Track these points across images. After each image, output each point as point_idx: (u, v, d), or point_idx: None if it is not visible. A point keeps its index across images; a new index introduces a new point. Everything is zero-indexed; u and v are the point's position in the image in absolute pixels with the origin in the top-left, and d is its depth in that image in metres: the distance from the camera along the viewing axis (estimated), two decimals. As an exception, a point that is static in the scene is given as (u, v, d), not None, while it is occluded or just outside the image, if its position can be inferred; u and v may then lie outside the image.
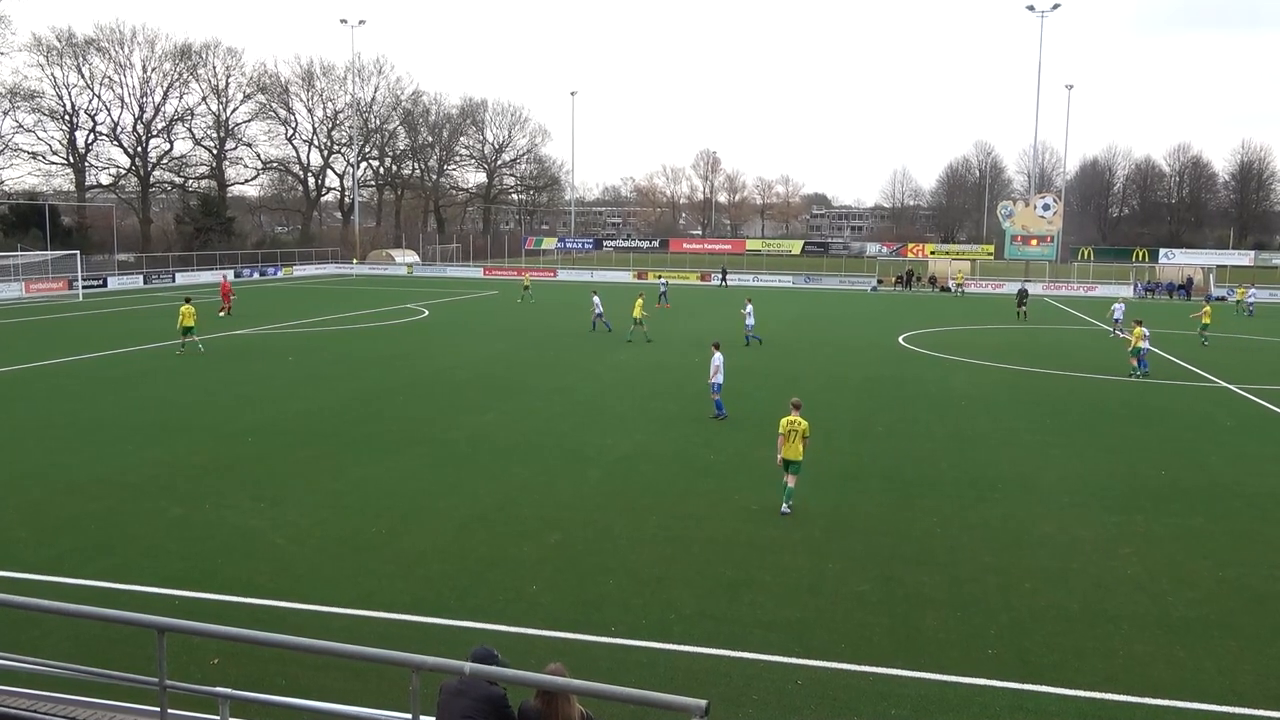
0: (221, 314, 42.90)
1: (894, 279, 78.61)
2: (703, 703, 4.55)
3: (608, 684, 5.15)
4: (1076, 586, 12.33)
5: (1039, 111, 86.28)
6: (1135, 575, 12.74)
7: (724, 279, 77.67)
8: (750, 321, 37.29)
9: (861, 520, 14.88)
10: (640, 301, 38.79)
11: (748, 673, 9.80)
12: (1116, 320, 42.57)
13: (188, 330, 31.61)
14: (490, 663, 5.79)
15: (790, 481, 15.00)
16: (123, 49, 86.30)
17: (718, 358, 22.41)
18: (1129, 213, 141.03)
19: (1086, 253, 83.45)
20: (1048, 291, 73.35)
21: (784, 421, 15.08)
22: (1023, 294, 53.55)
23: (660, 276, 66.46)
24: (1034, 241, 78.83)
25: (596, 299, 41.24)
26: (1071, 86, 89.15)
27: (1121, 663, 10.17)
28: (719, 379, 22.31)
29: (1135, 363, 30.24)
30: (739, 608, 11.50)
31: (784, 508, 14.91)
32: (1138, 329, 30.42)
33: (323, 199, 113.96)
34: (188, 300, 32.94)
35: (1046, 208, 79.60)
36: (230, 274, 60.34)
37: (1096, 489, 16.99)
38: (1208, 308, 42.35)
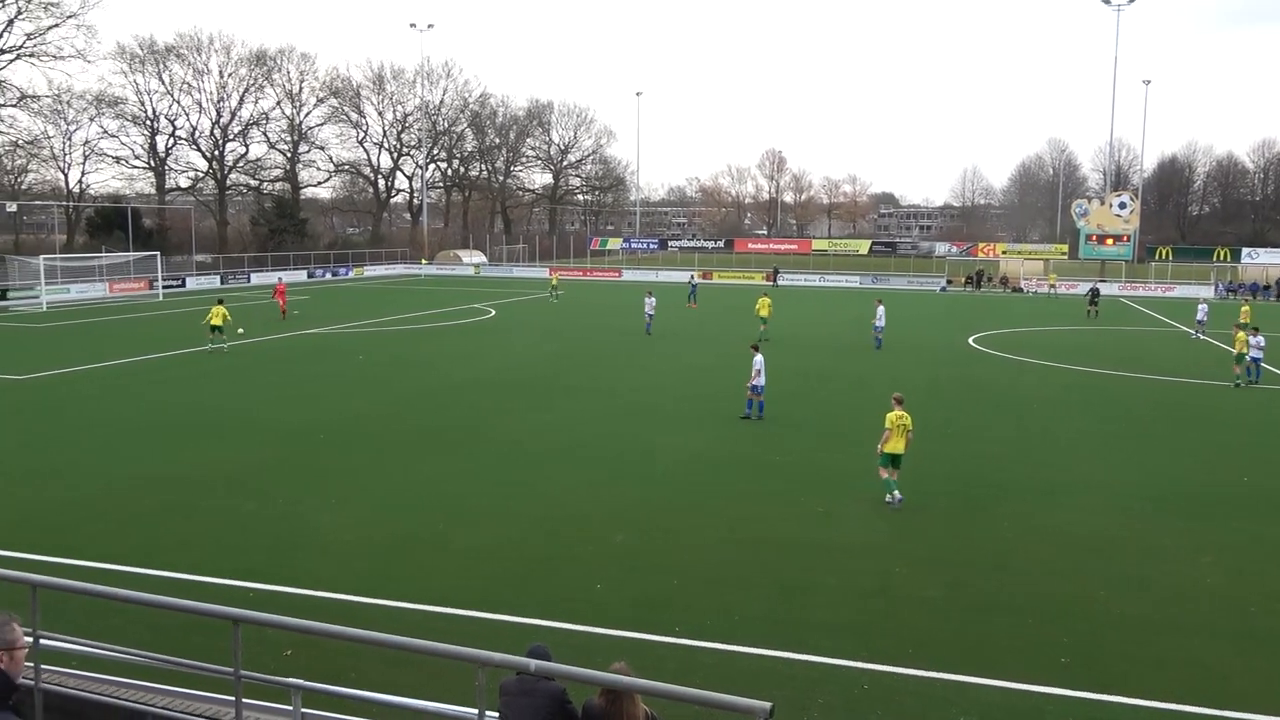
0: (283, 317, 43.24)
1: (963, 279, 77.28)
2: (767, 705, 4.52)
3: (671, 684, 5.14)
4: (1154, 595, 12.00)
5: (1115, 108, 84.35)
6: (1216, 584, 12.35)
7: (775, 279, 77.08)
8: (880, 324, 36.05)
9: (929, 524, 14.65)
10: (766, 301, 38.72)
11: (812, 676, 9.71)
12: (1200, 322, 41.20)
13: (215, 329, 32.46)
14: (545, 660, 5.82)
15: (890, 474, 15.40)
16: (200, 55, 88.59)
17: (758, 360, 22.19)
18: (1210, 211, 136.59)
19: (1165, 252, 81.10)
20: (1124, 292, 71.48)
21: (891, 416, 15.43)
22: (1094, 293, 52.44)
23: (693, 277, 63.12)
24: (1109, 241, 76.84)
25: (651, 300, 40.41)
26: (1149, 81, 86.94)
27: (1201, 674, 9.86)
28: (760, 381, 22.11)
29: (1242, 370, 28.36)
30: (804, 610, 11.41)
31: (890, 497, 15.29)
32: (1240, 334, 29.05)
33: (392, 200, 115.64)
34: (220, 302, 33.84)
35: (1123, 206, 77.57)
36: (284, 275, 61.47)
37: (1176, 495, 16.52)
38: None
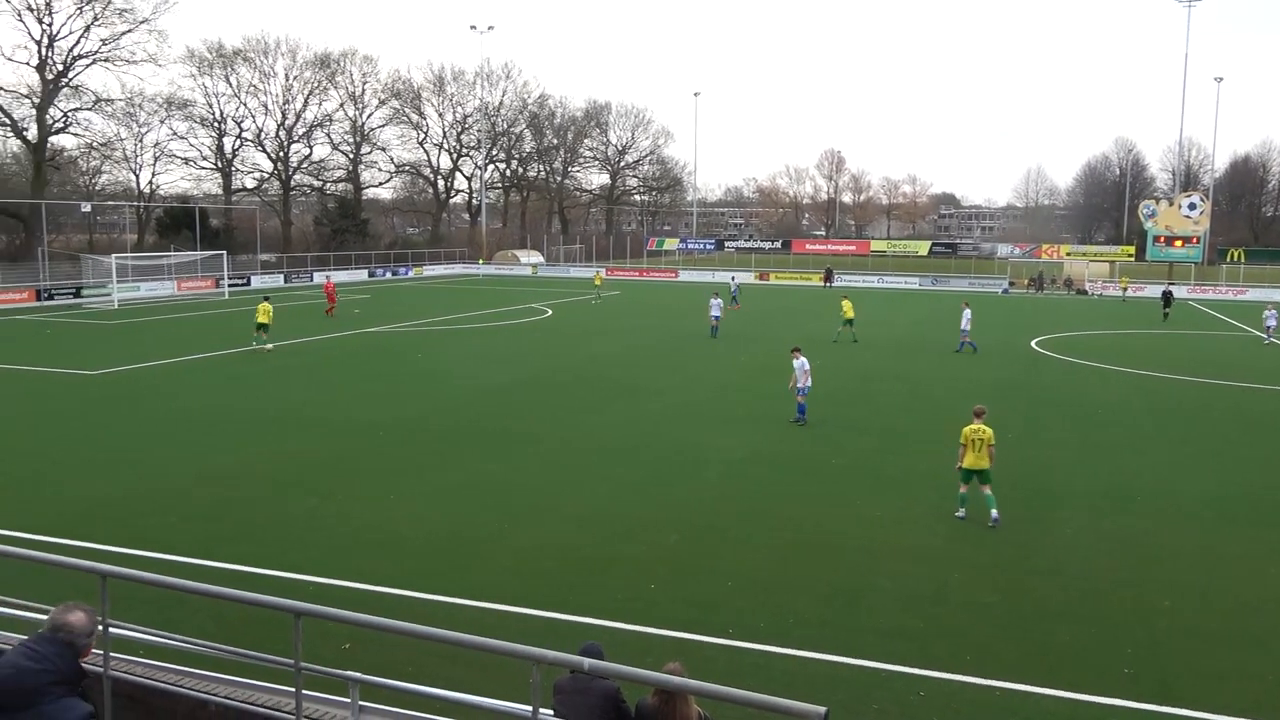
0: (329, 314, 44.30)
1: (1026, 281, 75.91)
2: (822, 709, 4.48)
3: (725, 685, 5.12)
4: (1220, 605, 11.69)
5: (1185, 106, 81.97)
6: (1287, 596, 11.98)
7: (829, 280, 76.38)
8: (966, 327, 35.17)
9: (986, 529, 14.42)
10: (848, 304, 38.61)
11: (868, 681, 9.62)
12: (1269, 327, 40.06)
13: (261, 326, 32.70)
14: (598, 659, 5.84)
15: (986, 489, 14.58)
16: (267, 59, 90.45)
17: (801, 362, 21.83)
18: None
19: (1236, 254, 78.76)
20: (1193, 295, 69.67)
21: (967, 430, 14.68)
22: (1167, 296, 51.19)
23: (732, 277, 62.82)
24: (1178, 242, 74.93)
25: (716, 301, 39.55)
26: (1221, 79, 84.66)
27: (1270, 688, 9.58)
28: (806, 384, 21.75)
29: None
30: (859, 614, 11.31)
31: (993, 514, 14.42)
32: None
33: (451, 201, 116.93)
34: (266, 299, 34.20)
35: (1193, 207, 75.60)
36: (337, 275, 62.58)
37: (1244, 503, 16.06)
38: None
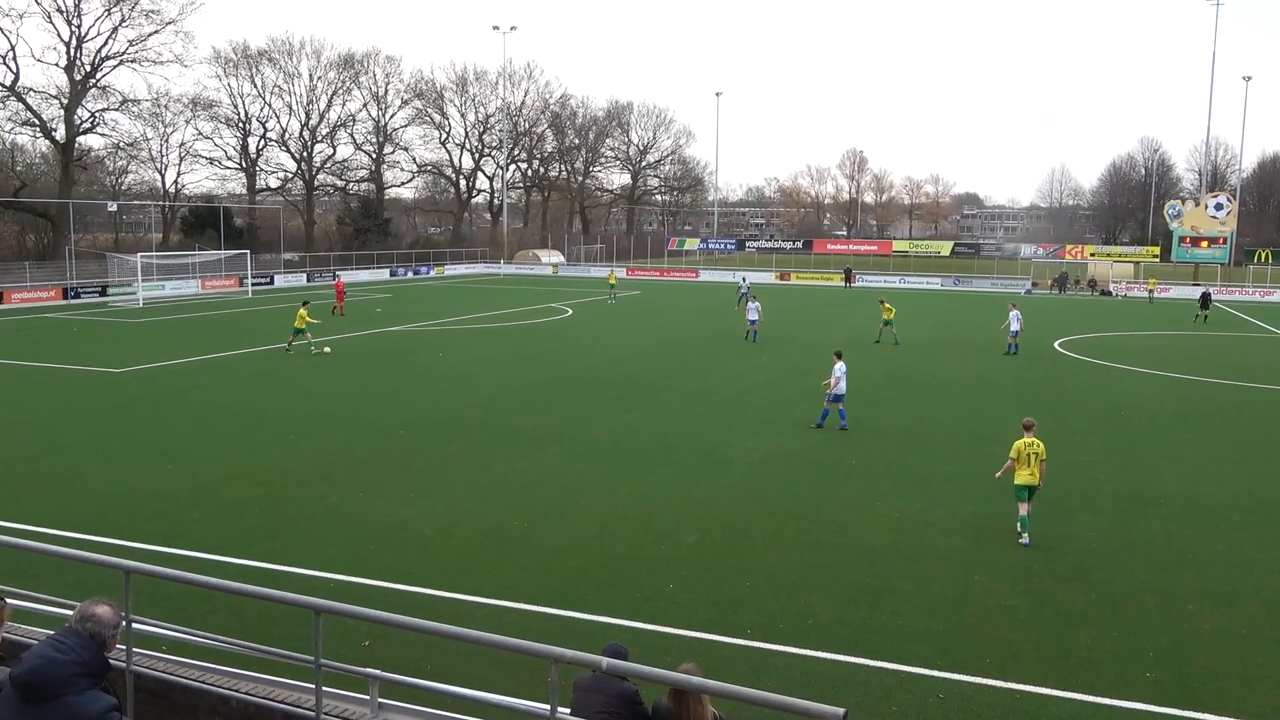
0: (335, 313, 44.40)
1: (1049, 282, 75.35)
2: (841, 710, 4.47)
3: (744, 686, 5.11)
4: (1246, 610, 11.56)
5: (1212, 105, 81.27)
6: (1314, 601, 11.84)
7: (849, 280, 76.03)
8: (1015, 327, 34.30)
9: (1011, 532, 14.31)
10: (888, 305, 38.48)
11: (887, 683, 9.58)
12: None
13: (298, 331, 32.15)
14: (621, 659, 5.84)
15: (1023, 509, 13.81)
16: (291, 59, 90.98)
17: (840, 367, 21.28)
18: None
19: (1264, 255, 77.86)
20: (1219, 296, 68.90)
21: (1019, 444, 14.00)
22: (1205, 298, 50.35)
23: (743, 278, 61.15)
24: (1205, 243, 74.20)
25: (755, 305, 37.81)
26: (1249, 78, 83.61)
27: (1297, 694, 9.47)
28: (840, 389, 21.16)
29: None
30: (879, 616, 11.26)
31: (1023, 539, 13.63)
32: None
33: (473, 200, 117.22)
34: (305, 303, 33.58)
35: (1219, 207, 74.83)
36: (351, 274, 63.10)
37: (1273, 508, 15.88)
38: None
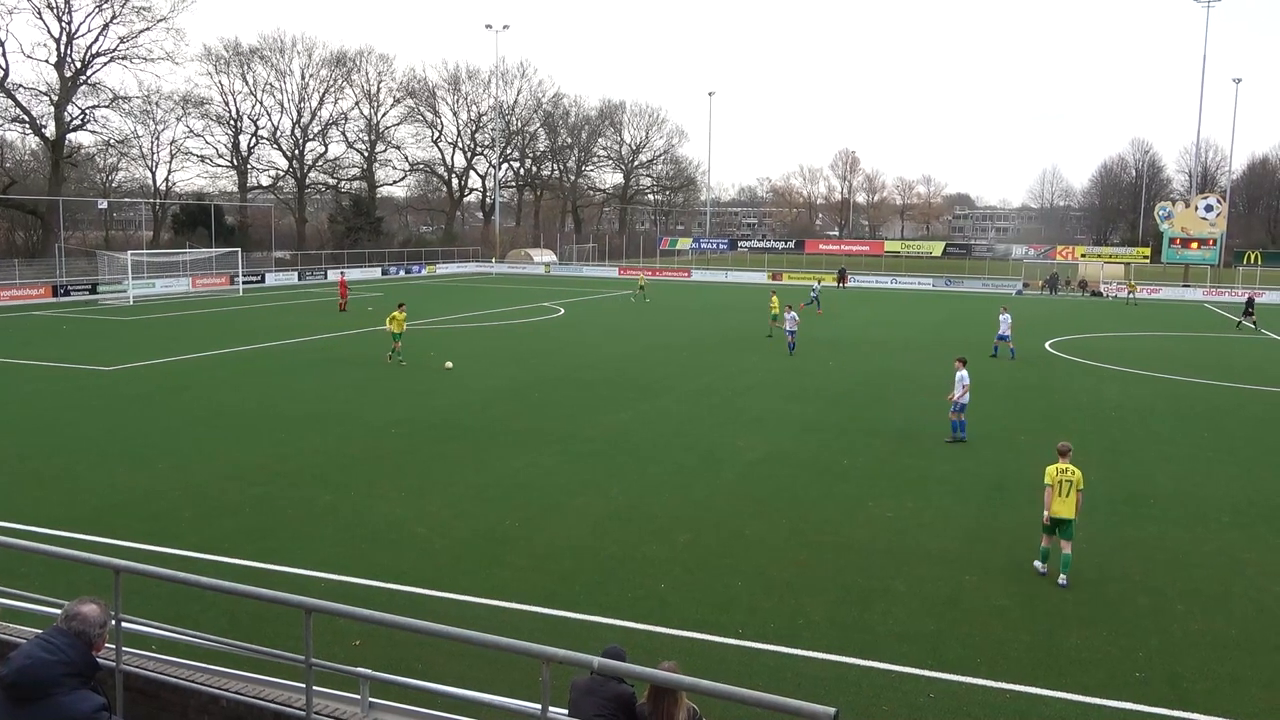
0: (343, 310, 44.93)
1: (1040, 283, 75.55)
2: (831, 710, 4.47)
3: (735, 686, 5.12)
4: (1236, 611, 11.61)
5: (1202, 107, 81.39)
6: (1303, 602, 11.90)
7: (842, 281, 76.14)
8: (1005, 332, 33.70)
9: (1003, 533, 14.37)
10: (777, 300, 38.93)
11: (878, 683, 9.60)
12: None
13: (396, 336, 29.73)
14: (619, 662, 5.83)
15: (1065, 547, 12.33)
16: (283, 57, 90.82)
17: (964, 374, 20.42)
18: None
19: (1253, 257, 78.18)
20: (1209, 298, 69.24)
21: (1052, 470, 12.48)
22: (1249, 303, 48.46)
23: (816, 280, 61.29)
24: (1194, 245, 74.47)
25: (792, 315, 34.31)
26: (1240, 80, 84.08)
27: (1285, 694, 9.52)
28: (965, 399, 20.25)
29: None
30: (871, 616, 11.28)
31: (1060, 579, 12.25)
32: None
33: (465, 199, 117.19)
34: (401, 306, 31.34)
35: (1209, 209, 75.12)
36: (345, 272, 63.20)
37: (1264, 509, 15.95)
38: None
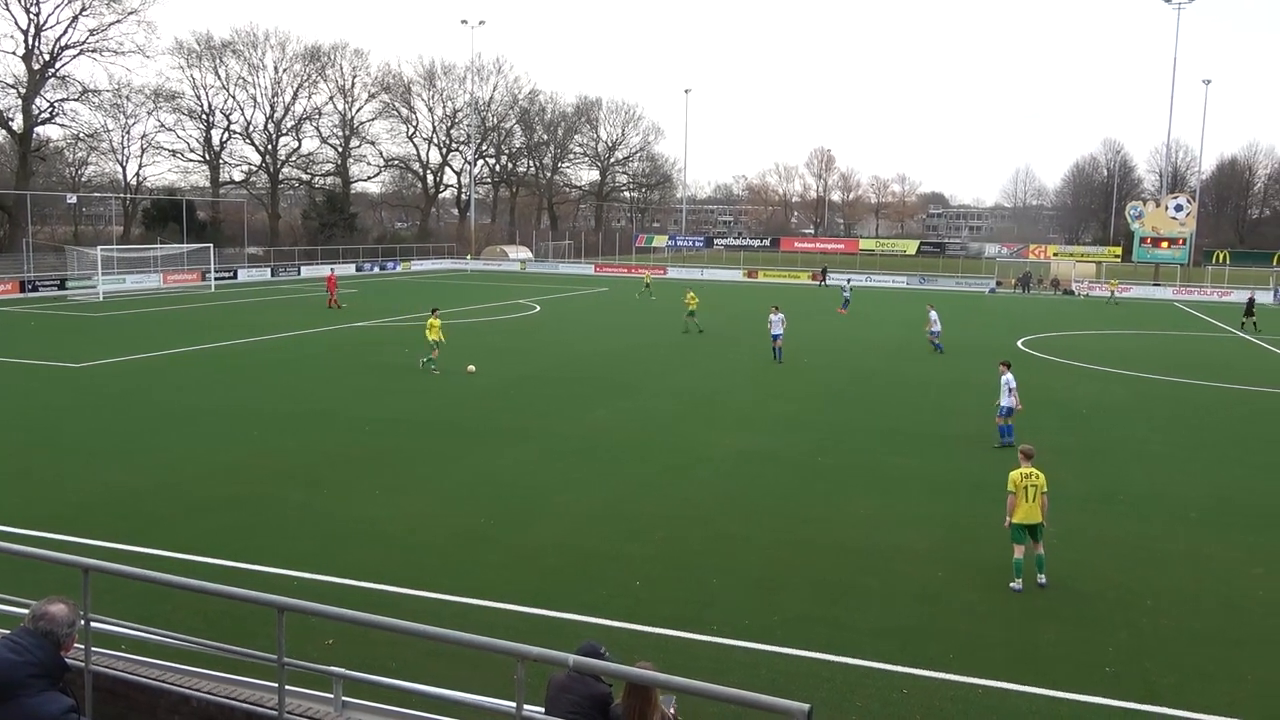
0: (331, 307, 44.98)
1: (1013, 281, 76.16)
2: (805, 706, 4.49)
3: (709, 683, 5.12)
4: (1204, 607, 11.76)
5: (1173, 108, 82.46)
6: (1268, 598, 12.07)
7: (823, 278, 76.50)
8: (935, 328, 35.02)
9: (977, 530, 14.47)
10: (693, 295, 39.94)
11: (852, 679, 9.65)
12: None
13: (436, 344, 28.26)
14: (596, 658, 5.82)
15: (1038, 547, 12.29)
16: (256, 51, 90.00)
17: (1009, 378, 19.94)
18: (1270, 214, 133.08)
19: (1222, 256, 79.20)
20: (1178, 296, 70.04)
21: (1016, 475, 12.29)
22: (1250, 303, 49.39)
23: (847, 279, 60.75)
24: (1165, 244, 75.34)
25: (777, 317, 32.08)
26: (1209, 81, 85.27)
27: (1249, 688, 9.65)
28: (1011, 401, 19.78)
29: None
30: (846, 613, 11.34)
31: (1040, 579, 12.26)
32: None
33: (440, 196, 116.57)
34: (435, 310, 30.29)
35: (1179, 209, 76.00)
36: (335, 268, 62.91)
37: (1234, 506, 16.16)
38: None
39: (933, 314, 35.85)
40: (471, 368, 27.68)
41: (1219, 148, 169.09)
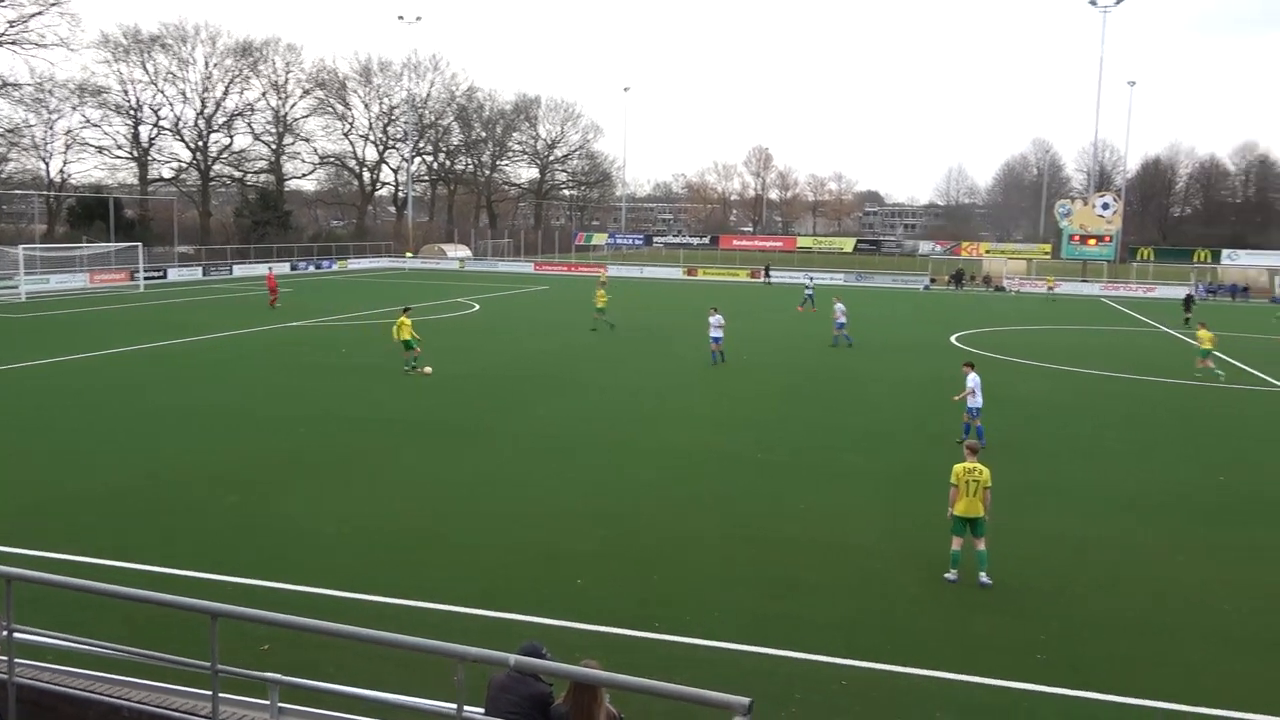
0: (273, 306, 44.27)
1: (946, 278, 77.58)
2: (746, 700, 4.53)
3: (651, 679, 5.14)
4: (1130, 594, 12.10)
5: (1100, 109, 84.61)
6: (1191, 585, 12.46)
7: (767, 276, 77.16)
8: (842, 320, 35.87)
9: (912, 522, 14.72)
10: (602, 293, 39.90)
11: (793, 672, 9.75)
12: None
13: (407, 345, 27.34)
14: (537, 658, 5.80)
15: (979, 544, 12.32)
16: (186, 45, 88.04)
17: (974, 378, 20.09)
18: (1191, 212, 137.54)
19: (1146, 253, 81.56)
20: (1105, 292, 71.92)
21: (959, 469, 12.38)
22: (1189, 300, 50.51)
23: (810, 278, 60.23)
24: (1092, 241, 77.28)
25: (717, 318, 30.95)
26: (1134, 83, 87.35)
27: (1174, 672, 9.96)
28: (977, 402, 19.89)
29: (1208, 365, 29.52)
30: (786, 607, 11.45)
31: (981, 577, 12.24)
32: (1203, 332, 30.03)
33: (377, 194, 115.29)
34: (406, 310, 29.13)
35: (1106, 207, 78.01)
36: (273, 267, 61.84)
37: (1155, 496, 16.64)
38: None
39: (839, 306, 36.55)
40: (428, 369, 27.05)
41: (1144, 148, 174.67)
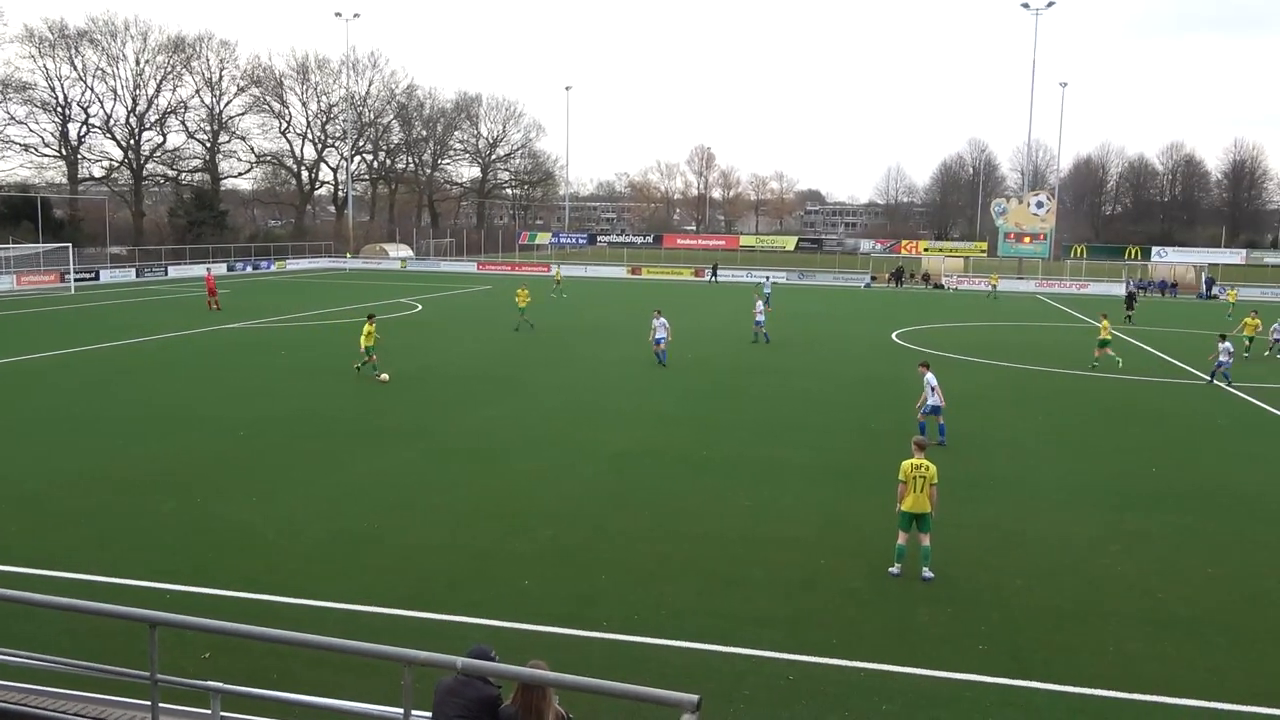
0: (212, 309, 43.28)
1: (886, 276, 78.68)
2: (694, 697, 4.56)
3: (599, 679, 5.15)
4: (1068, 584, 12.38)
5: (1033, 109, 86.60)
6: (1126, 573, 12.79)
7: (714, 275, 77.67)
8: (761, 319, 36.92)
9: (855, 517, 14.91)
10: (524, 293, 39.96)
11: (739, 668, 9.82)
12: (1277, 340, 35.86)
13: (369, 350, 26.70)
14: (485, 661, 5.78)
15: (924, 540, 12.40)
16: (115, 41, 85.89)
17: (931, 378, 20.10)
18: (1122, 210, 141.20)
19: (1079, 250, 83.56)
20: (1040, 289, 73.47)
21: (906, 465, 12.44)
22: (1131, 298, 51.28)
23: (767, 277, 60.81)
24: (1027, 239, 79.01)
25: (660, 320, 30.80)
26: (1066, 84, 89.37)
27: (1111, 659, 10.21)
28: (935, 400, 19.84)
29: (1107, 354, 31.52)
30: (732, 603, 11.53)
31: (925, 572, 12.32)
32: (1104, 322, 32.14)
33: (316, 193, 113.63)
34: (371, 318, 28.08)
35: (1040, 205, 79.77)
36: (212, 268, 60.63)
37: (1090, 487, 17.04)
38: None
39: (759, 304, 37.62)
40: (384, 376, 26.20)
41: (1076, 147, 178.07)
